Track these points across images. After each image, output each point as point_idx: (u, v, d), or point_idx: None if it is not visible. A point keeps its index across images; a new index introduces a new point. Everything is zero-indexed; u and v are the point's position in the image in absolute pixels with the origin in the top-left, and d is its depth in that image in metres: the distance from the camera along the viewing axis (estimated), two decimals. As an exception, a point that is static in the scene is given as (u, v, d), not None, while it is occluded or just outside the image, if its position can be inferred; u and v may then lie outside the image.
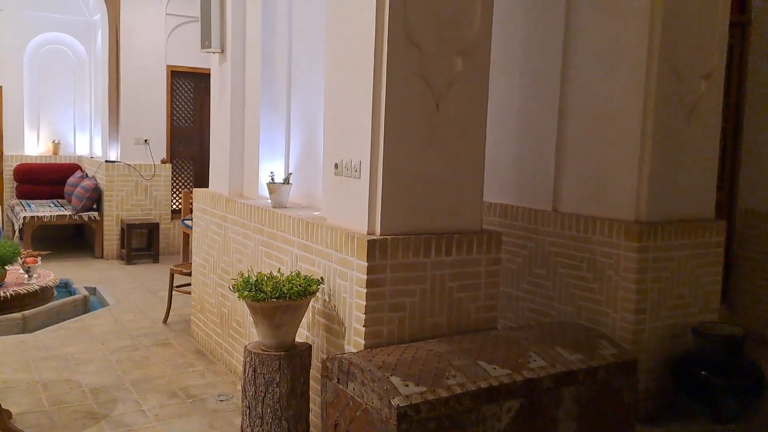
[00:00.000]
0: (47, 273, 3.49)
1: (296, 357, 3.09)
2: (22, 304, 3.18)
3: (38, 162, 9.31)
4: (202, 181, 8.96)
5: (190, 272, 5.32)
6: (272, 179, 4.01)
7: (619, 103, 3.78)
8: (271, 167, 4.35)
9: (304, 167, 4.19)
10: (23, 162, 9.20)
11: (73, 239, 9.19)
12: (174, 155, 8.68)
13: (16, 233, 7.76)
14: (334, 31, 3.33)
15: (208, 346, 4.80)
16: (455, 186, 3.18)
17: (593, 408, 2.80)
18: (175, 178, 8.78)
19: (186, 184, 8.93)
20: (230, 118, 4.57)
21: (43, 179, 9.14)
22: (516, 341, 2.90)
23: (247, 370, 3.10)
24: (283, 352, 3.06)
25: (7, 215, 8.98)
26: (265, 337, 3.08)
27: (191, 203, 7.82)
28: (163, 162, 8.33)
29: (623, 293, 3.71)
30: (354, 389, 2.59)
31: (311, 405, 3.24)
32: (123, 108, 8.09)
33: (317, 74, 3.97)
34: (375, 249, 2.93)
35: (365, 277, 2.93)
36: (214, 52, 4.65)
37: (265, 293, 2.97)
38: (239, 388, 4.13)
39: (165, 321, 5.51)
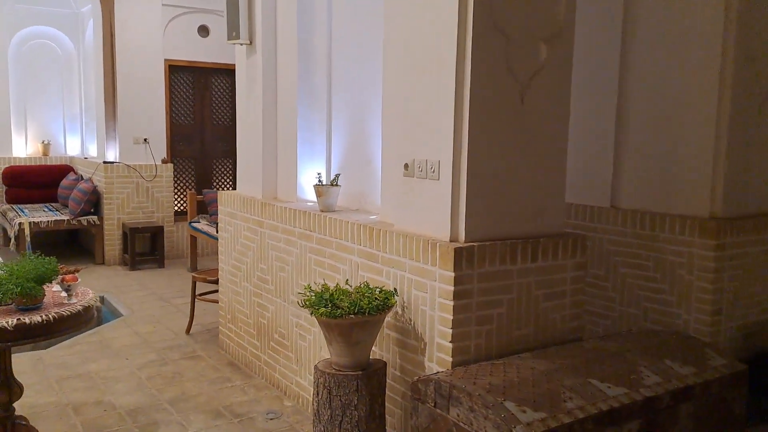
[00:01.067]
0: (85, 290, 3.18)
1: (374, 376, 2.84)
2: (66, 327, 2.86)
3: (28, 164, 8.86)
4: (204, 181, 8.62)
5: (215, 280, 5.02)
6: (320, 181, 3.73)
7: (690, 92, 3.57)
8: (309, 168, 4.08)
9: (349, 168, 3.92)
10: (11, 165, 8.74)
11: (68, 245, 8.77)
12: (174, 155, 8.31)
13: (12, 240, 7.34)
14: (398, 19, 3.05)
15: (242, 358, 4.51)
16: (538, 185, 2.95)
17: (707, 424, 2.59)
18: (176, 179, 8.41)
19: (188, 184, 8.56)
20: (262, 116, 4.27)
21: (34, 182, 8.70)
22: (620, 354, 2.68)
23: (320, 393, 2.83)
24: (360, 372, 2.81)
25: (-3, 221, 8.54)
26: (339, 356, 2.82)
27: (199, 205, 7.50)
28: (164, 162, 7.96)
29: (698, 294, 3.52)
30: (459, 415, 2.35)
31: (386, 428, 3.00)
32: (120, 105, 7.69)
33: (365, 66, 3.70)
34: (462, 257, 2.69)
35: (452, 288, 2.68)
36: (241, 44, 4.33)
37: (342, 309, 2.70)
38: (287, 404, 3.87)
39: (188, 331, 5.20)
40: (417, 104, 2.92)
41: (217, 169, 8.75)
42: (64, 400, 3.89)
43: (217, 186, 8.73)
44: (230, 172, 8.80)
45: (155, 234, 7.71)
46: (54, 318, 2.78)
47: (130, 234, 7.41)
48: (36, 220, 7.40)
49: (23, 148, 8.99)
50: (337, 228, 3.43)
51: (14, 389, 2.97)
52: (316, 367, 2.91)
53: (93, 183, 7.77)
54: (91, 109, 8.53)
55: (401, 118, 3.05)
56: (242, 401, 3.93)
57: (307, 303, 2.79)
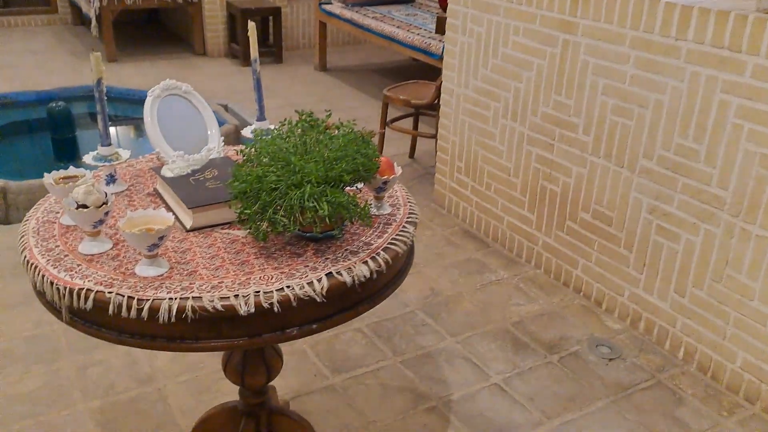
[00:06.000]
0: (397, 186, 1.61)
1: None
2: (397, 275, 1.36)
3: None
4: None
5: (429, 104, 3.41)
6: (766, -46, 1.92)
7: None
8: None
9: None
10: None
11: (151, 27, 7.00)
12: None
13: (93, 23, 5.61)
14: None
15: (489, 230, 3.06)
16: None
17: None
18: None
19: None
20: None
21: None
22: None
23: None
24: None
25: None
26: None
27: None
28: None
29: None
30: None
31: None
32: None
33: None
34: None
35: None
36: None
37: None
38: (613, 326, 2.52)
39: (376, 173, 3.72)
40: None
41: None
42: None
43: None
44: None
45: (269, 18, 5.90)
46: (385, 262, 1.27)
47: (240, 17, 5.61)
48: (118, -7, 5.59)
49: None
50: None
51: (273, 362, 1.57)
52: None
53: (183, -57, 5.78)
54: None
55: None
56: (537, 314, 2.54)
57: None
